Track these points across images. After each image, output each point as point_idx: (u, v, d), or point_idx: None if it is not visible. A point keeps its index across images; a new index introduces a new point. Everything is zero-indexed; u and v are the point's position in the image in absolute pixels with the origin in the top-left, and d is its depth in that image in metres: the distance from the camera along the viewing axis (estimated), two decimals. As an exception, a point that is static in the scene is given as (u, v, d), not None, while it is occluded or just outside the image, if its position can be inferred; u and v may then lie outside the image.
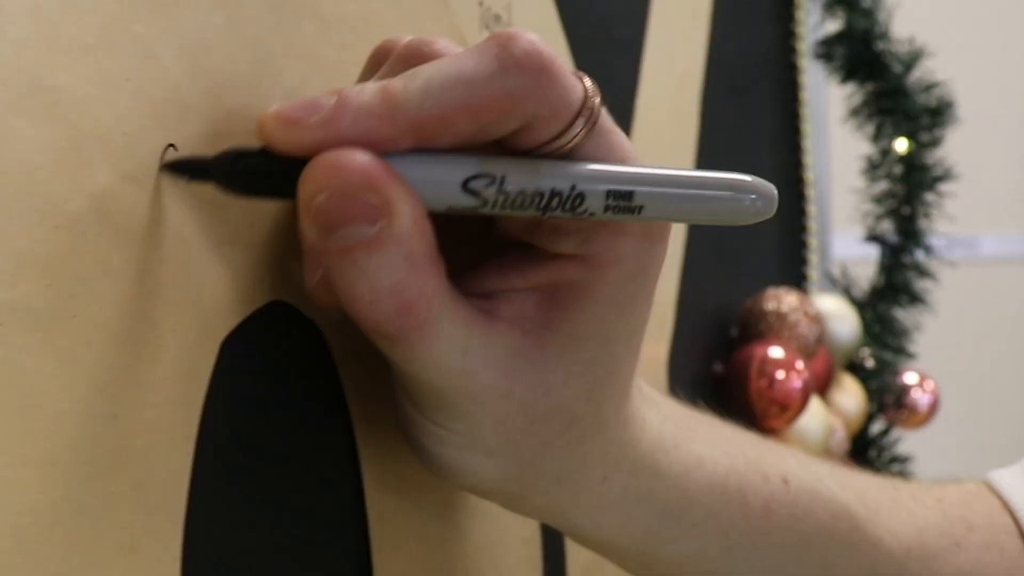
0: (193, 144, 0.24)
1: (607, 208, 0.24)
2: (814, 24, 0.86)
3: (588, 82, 0.25)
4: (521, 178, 0.24)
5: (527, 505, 0.29)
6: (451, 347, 0.25)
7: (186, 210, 0.24)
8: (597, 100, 0.24)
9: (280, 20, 0.27)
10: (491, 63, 0.23)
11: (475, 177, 0.23)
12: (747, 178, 0.25)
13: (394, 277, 0.23)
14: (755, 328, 0.68)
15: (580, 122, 0.24)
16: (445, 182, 0.23)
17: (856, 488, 0.36)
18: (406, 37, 0.26)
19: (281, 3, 0.27)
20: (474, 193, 0.24)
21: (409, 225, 0.23)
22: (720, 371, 0.68)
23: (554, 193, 0.24)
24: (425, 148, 0.23)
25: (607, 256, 0.26)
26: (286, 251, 0.27)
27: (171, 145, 0.23)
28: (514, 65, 0.23)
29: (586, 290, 0.26)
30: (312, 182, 0.23)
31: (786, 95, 0.82)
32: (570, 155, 0.24)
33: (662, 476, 0.30)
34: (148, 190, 0.23)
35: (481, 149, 0.24)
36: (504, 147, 0.24)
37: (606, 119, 0.25)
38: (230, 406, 0.25)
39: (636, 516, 0.30)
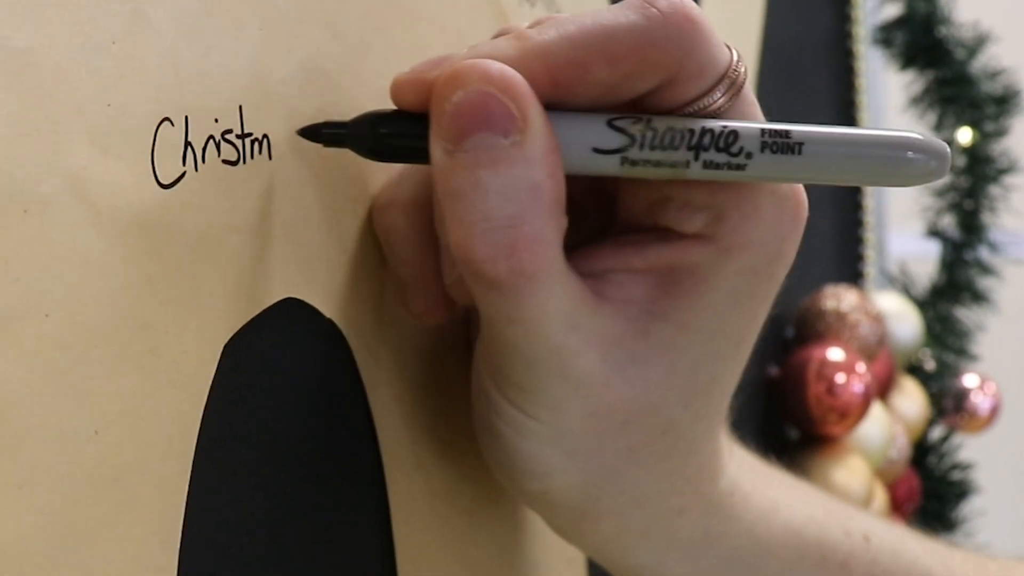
0: (193, 117, 0.21)
1: (764, 146, 0.23)
2: (872, 8, 0.83)
3: (735, 50, 0.23)
4: (667, 120, 0.23)
5: (592, 530, 0.27)
6: (558, 315, 0.23)
7: (184, 194, 0.21)
8: (743, 69, 0.23)
9: (294, -18, 0.24)
10: (633, 13, 0.22)
11: (620, 117, 0.23)
12: (918, 136, 0.23)
13: (515, 207, 0.22)
14: (813, 328, 0.65)
15: (723, 86, 0.23)
16: (590, 122, 0.23)
17: (940, 555, 0.33)
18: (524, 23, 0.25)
19: (296, -37, 0.24)
20: (620, 130, 0.23)
21: (541, 150, 0.22)
22: (775, 374, 0.65)
23: (705, 130, 0.23)
24: (562, 104, 0.23)
25: (736, 239, 0.24)
26: (307, 242, 0.24)
27: (166, 119, 0.20)
28: (659, 16, 0.22)
29: (706, 276, 0.24)
30: (449, 82, 0.22)
31: (843, 83, 0.79)
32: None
33: (736, 520, 0.28)
34: (137, 169, 0.20)
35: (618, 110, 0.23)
36: (641, 110, 0.23)
37: (749, 92, 0.24)
38: (233, 417, 0.22)
39: (704, 561, 0.28)
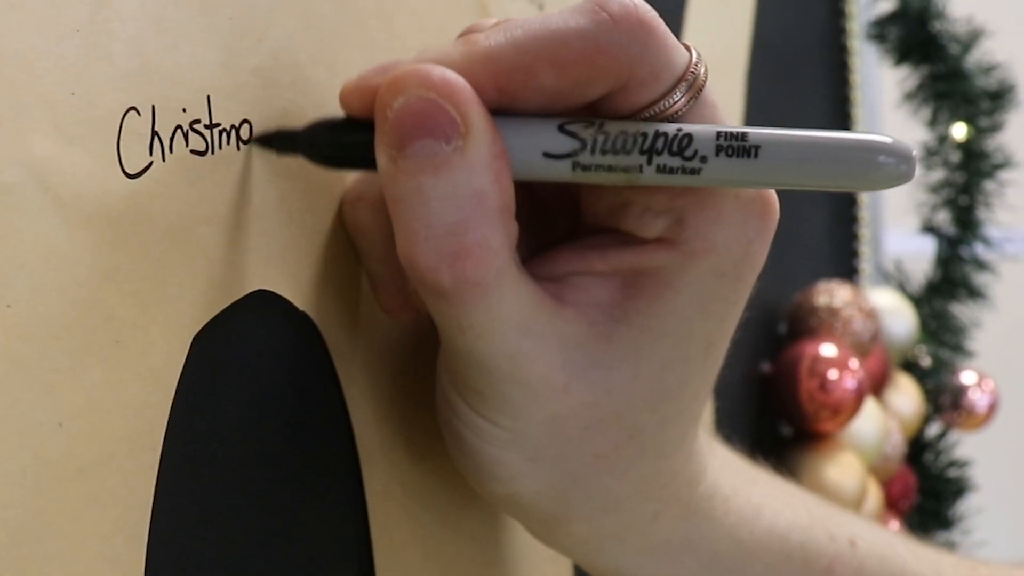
0: (160, 107, 0.21)
1: (719, 149, 0.22)
2: (866, 3, 0.83)
3: (695, 51, 0.23)
4: (620, 124, 0.22)
5: (564, 533, 0.27)
6: (510, 320, 0.22)
7: (151, 184, 0.21)
8: (702, 69, 0.22)
9: (267, -29, 0.24)
10: (582, 18, 0.22)
11: (571, 121, 0.22)
12: (887, 138, 0.22)
13: (458, 214, 0.21)
14: (805, 324, 0.65)
15: (681, 88, 0.22)
16: (541, 125, 0.22)
17: (930, 560, 0.33)
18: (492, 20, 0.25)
19: (269, -48, 0.24)
20: (571, 134, 0.22)
21: (485, 156, 0.21)
22: (768, 370, 0.64)
23: (659, 134, 0.22)
24: (511, 110, 0.22)
25: (698, 243, 0.23)
26: (279, 234, 0.24)
27: (133, 108, 0.20)
28: (608, 20, 0.22)
29: (670, 279, 0.24)
30: (390, 88, 0.22)
31: (836, 78, 0.78)
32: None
33: (717, 524, 0.28)
34: (102, 159, 0.19)
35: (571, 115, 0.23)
36: (596, 114, 0.22)
37: (711, 93, 0.23)
38: (204, 411, 0.22)
39: (684, 565, 0.28)
